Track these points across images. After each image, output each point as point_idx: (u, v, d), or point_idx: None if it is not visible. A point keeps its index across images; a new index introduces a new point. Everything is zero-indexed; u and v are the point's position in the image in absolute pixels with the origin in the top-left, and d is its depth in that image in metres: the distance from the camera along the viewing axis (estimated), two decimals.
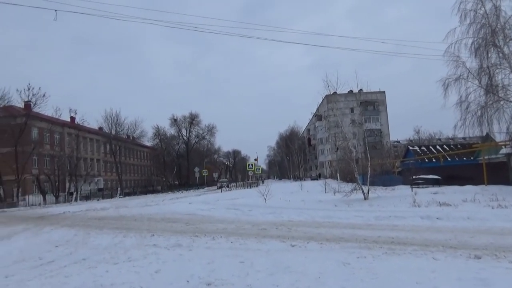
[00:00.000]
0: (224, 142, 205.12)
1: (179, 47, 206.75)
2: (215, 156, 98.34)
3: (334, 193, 19.04)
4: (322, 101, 66.85)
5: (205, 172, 56.82)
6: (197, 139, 77.84)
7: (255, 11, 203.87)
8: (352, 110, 60.22)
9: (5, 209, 30.69)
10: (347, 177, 25.26)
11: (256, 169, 52.27)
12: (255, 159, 63.05)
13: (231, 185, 49.59)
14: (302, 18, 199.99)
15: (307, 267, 5.35)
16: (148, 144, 75.05)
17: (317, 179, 58.14)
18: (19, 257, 7.62)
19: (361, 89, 25.73)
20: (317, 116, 76.78)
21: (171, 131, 75.33)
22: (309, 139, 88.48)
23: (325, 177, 47.94)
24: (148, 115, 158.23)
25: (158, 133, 72.07)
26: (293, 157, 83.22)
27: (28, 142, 40.68)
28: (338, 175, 34.28)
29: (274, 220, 11.26)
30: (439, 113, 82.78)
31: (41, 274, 5.84)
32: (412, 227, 8.83)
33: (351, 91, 29.71)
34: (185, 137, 75.78)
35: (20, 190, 37.93)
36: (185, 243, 7.80)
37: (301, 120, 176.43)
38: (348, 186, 18.25)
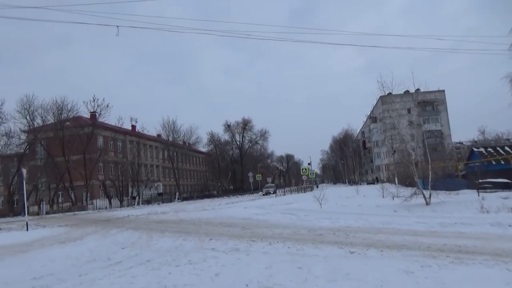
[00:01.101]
0: (277, 146, 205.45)
1: (230, 54, 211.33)
2: (268, 160, 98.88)
3: (393, 198, 18.30)
4: (376, 103, 64.75)
5: (259, 177, 57.30)
6: (250, 144, 78.87)
7: (305, 14, 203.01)
8: (409, 111, 57.60)
9: (76, 212, 33.17)
10: (406, 181, 24.16)
11: (310, 173, 51.82)
12: (309, 163, 62.47)
13: (285, 189, 49.34)
14: (353, 19, 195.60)
15: (367, 275, 5.20)
16: (203, 150, 77.29)
17: (374, 183, 56.28)
18: (90, 257, 8.19)
19: (418, 89, 24.60)
20: (372, 118, 74.44)
21: (225, 136, 77.10)
22: (364, 142, 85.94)
23: (382, 181, 46.24)
24: (203, 122, 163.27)
25: (213, 139, 74.00)
26: (348, 161, 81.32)
27: (94, 150, 43.69)
28: (396, 179, 32.91)
29: (330, 226, 11.06)
30: (507, 111, 76.74)
31: (110, 274, 6.24)
32: (481, 235, 8.25)
33: (407, 91, 28.51)
34: (238, 143, 77.09)
35: (88, 194, 40.81)
36: (243, 247, 7.92)
37: (355, 123, 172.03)
38: (408, 191, 17.44)
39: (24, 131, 42.76)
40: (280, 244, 8.11)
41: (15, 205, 41.83)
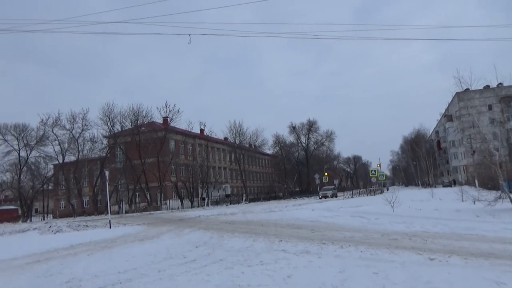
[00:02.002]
0: (343, 148, 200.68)
1: (295, 56, 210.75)
2: (335, 162, 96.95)
3: (474, 201, 16.85)
4: (452, 100, 60.33)
5: (325, 179, 56.37)
6: (316, 146, 77.96)
7: (371, 9, 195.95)
8: (490, 107, 52.95)
9: (152, 212, 35.29)
10: (488, 184, 22.16)
11: (379, 175, 49.75)
12: (378, 165, 60.10)
13: (353, 192, 47.90)
14: (423, 12, 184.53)
15: (452, 284, 4.84)
16: (269, 152, 77.96)
17: (451, 186, 52.46)
18: (166, 254, 8.63)
19: (500, 83, 22.53)
20: (447, 117, 69.51)
21: (290, 138, 77.06)
22: (438, 142, 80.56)
23: (460, 184, 42.91)
24: (268, 124, 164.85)
25: (278, 141, 74.35)
26: (420, 162, 76.79)
27: (167, 153, 46.24)
28: (476, 181, 30.36)
29: (405, 230, 10.50)
30: None
31: (186, 271, 6.52)
32: None
33: (487, 86, 26.16)
34: (304, 144, 76.60)
35: (162, 195, 43.20)
36: (313, 250, 7.82)
37: (427, 122, 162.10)
38: (491, 194, 15.96)
39: (105, 137, 46.65)
40: (352, 247, 7.87)
41: (98, 205, 45.61)
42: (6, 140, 45.69)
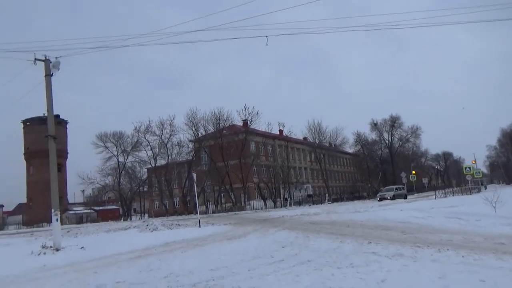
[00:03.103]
0: (431, 144, 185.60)
1: (373, 50, 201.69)
2: (422, 159, 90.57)
3: None
4: None
5: (412, 177, 53.03)
6: (400, 143, 73.63)
7: None
8: None
9: (237, 212, 36.48)
10: None
11: (475, 172, 45.31)
12: (473, 161, 54.73)
13: (445, 191, 44.13)
14: None
15: None
16: (350, 150, 75.73)
17: None
18: (255, 254, 8.82)
19: None
20: None
21: (372, 136, 73.85)
22: None
23: None
24: (348, 122, 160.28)
25: (359, 139, 71.75)
26: None
27: (248, 154, 47.45)
28: None
29: None
30: None
31: (275, 271, 6.58)
32: None
33: None
34: (387, 141, 72.92)
35: (245, 195, 44.43)
36: (407, 253, 7.37)
37: None
38: None
39: (191, 141, 49.46)
40: (451, 251, 7.26)
41: (188, 205, 48.44)
42: (107, 147, 51.07)
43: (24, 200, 59.91)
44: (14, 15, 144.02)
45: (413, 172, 57.99)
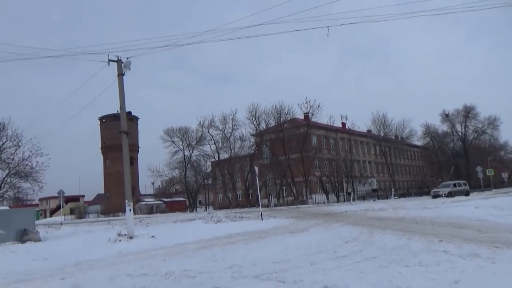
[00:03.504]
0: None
1: (442, 35, 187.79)
2: (502, 153, 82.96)
3: None
4: None
5: (489, 172, 48.88)
6: (475, 135, 67.98)
7: None
8: None
9: (299, 206, 36.40)
10: None
11: None
12: None
13: None
14: None
15: None
16: (418, 143, 71.72)
17: None
18: (317, 248, 8.74)
19: None
20: None
21: (442, 127, 69.04)
22: None
23: None
24: (416, 113, 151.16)
25: (428, 131, 67.54)
26: None
27: (310, 148, 47.04)
28: None
29: None
30: None
31: (339, 266, 6.46)
32: None
33: None
34: (460, 133, 67.75)
35: (307, 189, 44.15)
36: (484, 253, 6.81)
37: None
38: None
39: (252, 135, 50.19)
40: None
41: (250, 198, 49.33)
42: (173, 142, 53.84)
43: (102, 191, 65.21)
44: (90, 20, 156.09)
45: (490, 167, 53.40)
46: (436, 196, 35.12)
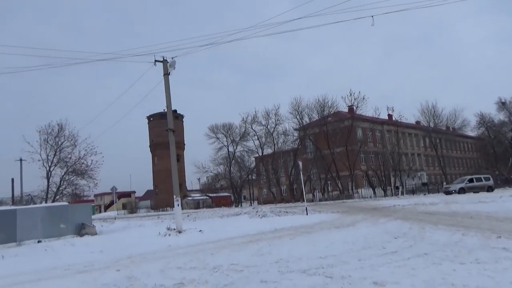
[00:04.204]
0: None
1: (498, 18, 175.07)
2: None
3: None
4: None
5: None
6: None
7: None
8: None
9: (344, 200, 35.78)
10: None
11: None
12: None
13: None
14: None
15: None
16: (472, 134, 67.76)
17: None
18: (365, 243, 8.55)
19: None
20: None
21: (499, 116, 64.56)
22: None
23: None
24: (468, 102, 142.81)
25: (483, 121, 63.53)
26: None
27: (355, 141, 45.96)
28: None
29: None
30: None
31: (388, 263, 6.28)
32: None
33: None
34: None
35: (353, 183, 43.25)
36: None
37: None
38: None
39: (296, 129, 49.89)
40: None
41: (294, 193, 49.18)
42: (218, 138, 54.84)
43: (151, 187, 67.90)
44: (137, 22, 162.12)
45: None
46: (447, 192, 33.31)
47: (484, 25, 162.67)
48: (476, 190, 32.82)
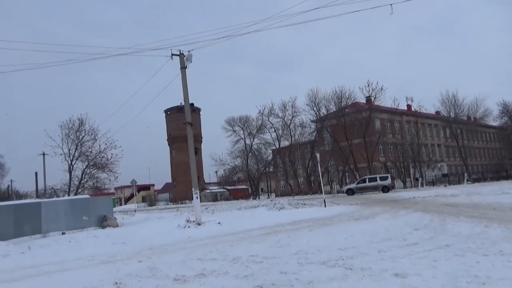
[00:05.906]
0: None
1: None
2: None
3: None
4: None
5: None
6: None
7: None
8: None
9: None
10: None
11: None
12: None
13: None
14: None
15: None
16: (494, 124, 65.92)
17: None
18: (385, 235, 8.49)
19: None
20: None
21: None
22: None
23: None
24: (491, 91, 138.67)
25: (506, 110, 61.67)
26: None
27: (373, 133, 45.32)
28: None
29: None
30: None
31: (409, 254, 6.23)
32: None
33: None
34: None
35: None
36: None
37: None
38: None
39: (313, 121, 49.50)
40: None
41: (312, 185, 49.00)
42: (234, 131, 54.89)
43: (170, 180, 68.76)
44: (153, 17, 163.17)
45: None
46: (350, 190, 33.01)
47: (504, 11, 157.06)
48: (367, 190, 31.97)
